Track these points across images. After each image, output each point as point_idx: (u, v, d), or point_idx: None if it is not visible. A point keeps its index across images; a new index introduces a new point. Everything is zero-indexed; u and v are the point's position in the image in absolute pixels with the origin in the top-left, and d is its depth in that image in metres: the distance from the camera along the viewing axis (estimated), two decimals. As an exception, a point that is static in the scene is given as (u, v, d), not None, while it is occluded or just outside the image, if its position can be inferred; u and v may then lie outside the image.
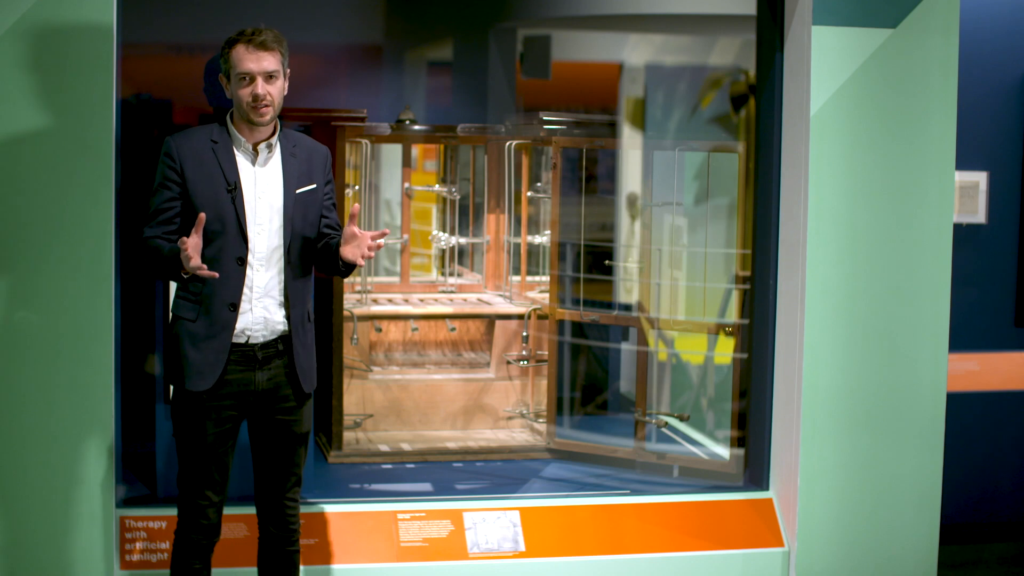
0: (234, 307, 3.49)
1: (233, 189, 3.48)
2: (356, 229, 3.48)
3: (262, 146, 3.53)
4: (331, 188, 3.68)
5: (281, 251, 3.55)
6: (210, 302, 3.49)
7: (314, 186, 3.60)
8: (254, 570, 3.79)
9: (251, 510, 3.78)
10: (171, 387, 3.63)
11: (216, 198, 3.48)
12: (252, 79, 3.45)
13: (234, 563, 3.99)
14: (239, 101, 3.48)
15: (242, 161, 3.53)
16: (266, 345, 3.55)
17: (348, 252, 3.49)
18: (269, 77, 3.46)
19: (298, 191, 3.56)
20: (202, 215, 3.37)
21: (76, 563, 3.89)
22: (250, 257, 3.50)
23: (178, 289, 3.56)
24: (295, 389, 3.60)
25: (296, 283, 3.58)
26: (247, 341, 3.53)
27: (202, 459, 3.54)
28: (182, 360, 3.51)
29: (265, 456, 3.64)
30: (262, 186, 3.53)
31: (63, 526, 3.88)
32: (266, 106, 3.46)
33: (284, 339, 3.57)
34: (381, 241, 3.50)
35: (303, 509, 4.15)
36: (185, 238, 3.34)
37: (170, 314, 3.61)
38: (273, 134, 3.56)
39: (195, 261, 3.32)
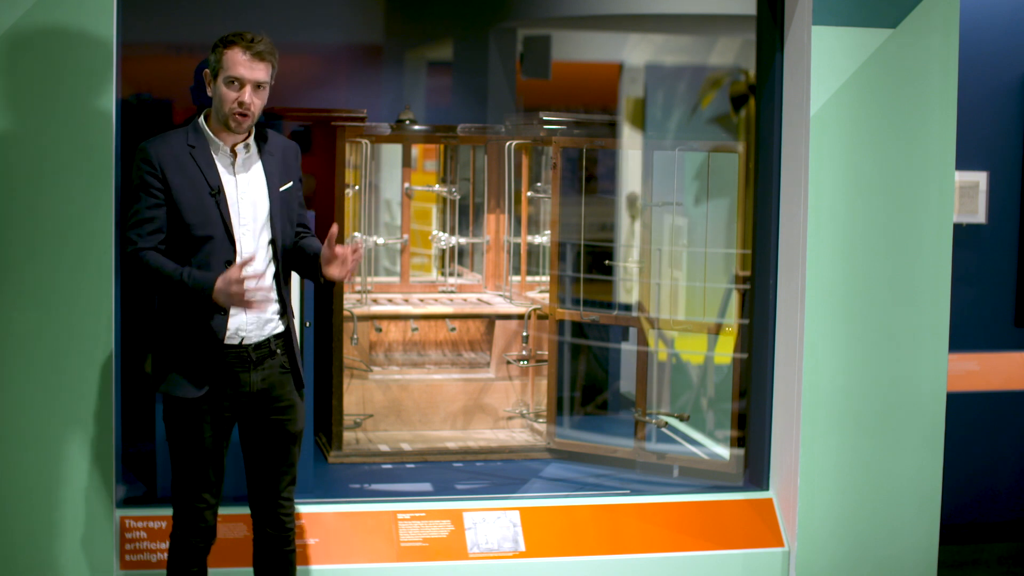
0: (225, 312, 3.47)
1: (217, 193, 3.46)
2: (338, 248, 3.50)
3: (240, 147, 3.51)
4: (300, 184, 3.70)
5: (267, 251, 3.55)
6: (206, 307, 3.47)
7: (291, 183, 3.62)
8: (251, 570, 3.78)
9: (248, 510, 3.78)
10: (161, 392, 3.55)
11: (201, 203, 3.45)
12: (241, 85, 3.42)
13: (233, 563, 3.99)
14: (221, 103, 3.44)
15: (221, 164, 3.50)
16: (259, 346, 3.54)
17: (334, 271, 3.52)
18: (257, 87, 3.45)
19: (280, 189, 3.57)
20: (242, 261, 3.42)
21: (76, 563, 3.89)
22: (238, 259, 3.49)
23: (165, 294, 3.49)
24: (288, 388, 3.60)
25: (282, 281, 3.60)
26: (241, 342, 3.52)
27: (200, 463, 3.52)
28: (177, 367, 3.49)
29: (260, 457, 3.62)
30: (243, 187, 3.51)
31: (63, 526, 3.88)
32: (246, 116, 3.44)
33: (275, 338, 3.58)
34: (360, 252, 3.54)
35: (304, 509, 4.15)
36: (234, 272, 3.34)
37: (155, 317, 3.53)
38: (249, 134, 3.54)
39: (242, 287, 3.34)
